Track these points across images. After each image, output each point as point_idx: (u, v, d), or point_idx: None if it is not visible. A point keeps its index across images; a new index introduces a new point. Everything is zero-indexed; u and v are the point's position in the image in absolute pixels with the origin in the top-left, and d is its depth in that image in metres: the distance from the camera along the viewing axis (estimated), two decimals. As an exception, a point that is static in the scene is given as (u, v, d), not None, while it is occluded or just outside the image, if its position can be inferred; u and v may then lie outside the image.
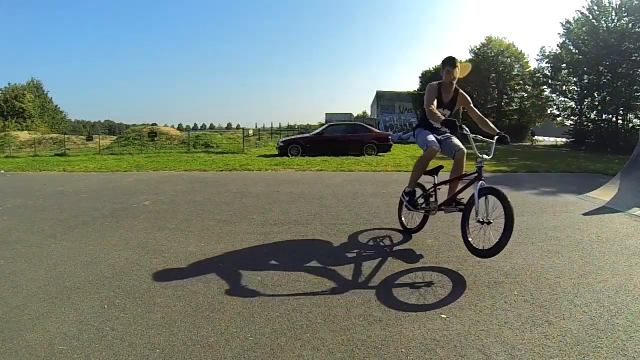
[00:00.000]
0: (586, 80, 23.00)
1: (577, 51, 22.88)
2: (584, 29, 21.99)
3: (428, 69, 38.68)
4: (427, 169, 3.33)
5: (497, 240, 2.49)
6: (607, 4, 21.20)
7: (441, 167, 3.40)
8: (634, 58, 19.82)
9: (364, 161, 10.93)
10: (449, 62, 3.23)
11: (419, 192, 3.48)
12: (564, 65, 24.10)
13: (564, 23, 23.65)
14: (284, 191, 6.07)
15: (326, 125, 15.60)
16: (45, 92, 41.87)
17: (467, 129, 2.93)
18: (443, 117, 3.02)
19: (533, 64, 29.84)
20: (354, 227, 3.83)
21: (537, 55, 31.02)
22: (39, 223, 4.24)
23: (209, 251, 3.17)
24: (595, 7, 21.52)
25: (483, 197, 2.69)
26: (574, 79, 23.95)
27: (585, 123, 23.49)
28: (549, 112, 28.38)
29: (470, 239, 2.74)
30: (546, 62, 25.95)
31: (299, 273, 2.67)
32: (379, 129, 20.87)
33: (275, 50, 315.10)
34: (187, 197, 5.68)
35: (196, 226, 3.99)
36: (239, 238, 3.53)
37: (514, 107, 32.97)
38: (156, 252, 3.18)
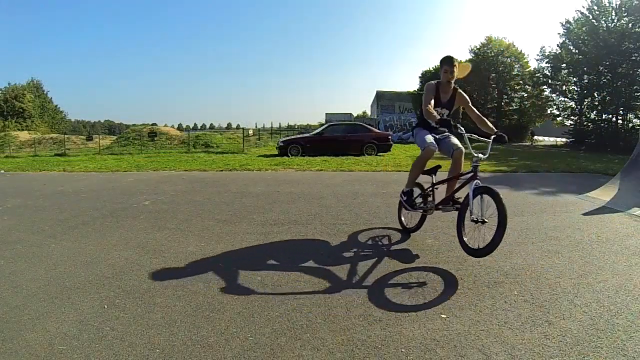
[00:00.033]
0: (586, 80, 23.02)
1: (577, 51, 22.90)
2: (584, 29, 22.01)
3: (428, 69, 38.75)
4: (425, 168, 3.34)
5: (490, 239, 2.48)
6: (607, 4, 21.23)
7: (439, 166, 3.41)
8: (634, 58, 19.83)
9: (364, 161, 10.93)
10: (447, 61, 3.23)
11: (417, 191, 3.48)
12: (564, 65, 24.12)
13: (564, 23, 23.72)
14: (284, 191, 6.07)
15: (326, 125, 15.61)
16: (45, 92, 41.95)
17: (462, 128, 2.93)
18: (438, 117, 3.04)
19: (533, 64, 29.92)
20: (354, 227, 3.83)
21: (537, 55, 31.08)
22: (39, 223, 4.24)
23: (209, 251, 3.17)
24: (595, 7, 21.54)
25: (478, 197, 2.69)
26: (574, 79, 23.97)
27: (585, 123, 23.51)
28: (549, 112, 28.41)
29: (465, 239, 2.74)
30: (546, 62, 26.02)
31: (299, 273, 2.67)
32: (379, 129, 20.90)
33: (275, 50, 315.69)
34: (187, 197, 5.68)
35: (196, 226, 3.99)
36: (239, 238, 3.53)
37: (514, 107, 32.99)
38: (156, 252, 3.18)
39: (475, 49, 33.68)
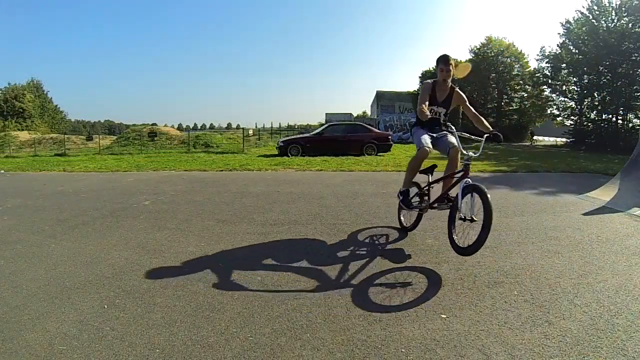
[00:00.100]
0: (586, 80, 23.02)
1: (577, 51, 22.90)
2: (584, 29, 22.01)
3: (428, 69, 38.67)
4: (421, 168, 3.35)
5: (476, 237, 2.46)
6: (607, 4, 21.23)
7: (435, 166, 3.42)
8: (634, 58, 19.83)
9: (364, 161, 10.92)
10: (442, 60, 3.25)
11: (413, 191, 3.49)
12: (564, 65, 24.12)
13: (564, 23, 23.71)
14: (284, 191, 6.06)
15: (326, 125, 15.60)
16: (45, 92, 41.94)
17: (453, 127, 2.94)
18: (429, 116, 3.15)
19: (533, 64, 29.94)
20: (354, 227, 3.83)
21: (537, 55, 31.07)
22: (39, 223, 4.24)
23: (209, 251, 3.17)
24: (595, 7, 21.54)
25: (468, 195, 2.68)
26: (574, 79, 23.97)
27: (585, 123, 23.51)
28: (549, 112, 28.41)
29: (455, 237, 2.73)
30: (546, 62, 26.02)
31: (299, 273, 2.67)
32: (379, 129, 20.88)
33: (275, 50, 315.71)
34: (187, 197, 5.68)
35: (196, 226, 3.99)
36: (239, 238, 3.53)
37: (514, 107, 33.01)
38: (156, 252, 3.18)
39: (475, 49, 33.74)
